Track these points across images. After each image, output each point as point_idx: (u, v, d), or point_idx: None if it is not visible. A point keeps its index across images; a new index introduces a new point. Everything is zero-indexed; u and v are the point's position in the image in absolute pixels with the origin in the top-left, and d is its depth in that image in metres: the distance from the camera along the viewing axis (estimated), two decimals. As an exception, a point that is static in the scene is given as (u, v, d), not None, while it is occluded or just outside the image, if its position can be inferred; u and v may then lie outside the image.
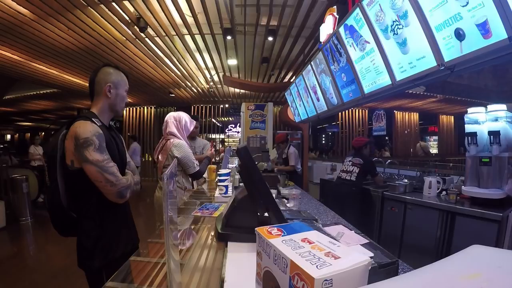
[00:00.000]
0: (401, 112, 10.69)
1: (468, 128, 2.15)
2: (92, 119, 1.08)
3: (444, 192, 2.45)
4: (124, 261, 0.88)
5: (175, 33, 4.29)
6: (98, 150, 1.02)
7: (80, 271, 1.14)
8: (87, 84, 1.19)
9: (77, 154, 1.01)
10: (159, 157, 1.97)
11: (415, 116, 10.95)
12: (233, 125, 11.40)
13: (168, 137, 1.97)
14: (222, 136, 11.32)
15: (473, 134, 2.09)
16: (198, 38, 4.50)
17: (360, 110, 10.13)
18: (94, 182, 1.03)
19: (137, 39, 4.40)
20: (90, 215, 1.08)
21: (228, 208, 1.04)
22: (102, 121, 1.14)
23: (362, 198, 2.94)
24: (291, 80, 5.75)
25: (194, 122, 2.16)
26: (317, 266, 0.35)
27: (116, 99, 1.16)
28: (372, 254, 0.74)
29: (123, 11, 3.55)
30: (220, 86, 7.63)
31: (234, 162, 3.78)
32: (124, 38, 4.32)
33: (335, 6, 2.71)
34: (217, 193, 1.77)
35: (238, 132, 10.84)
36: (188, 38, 4.50)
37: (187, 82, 7.18)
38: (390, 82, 1.93)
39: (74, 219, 1.09)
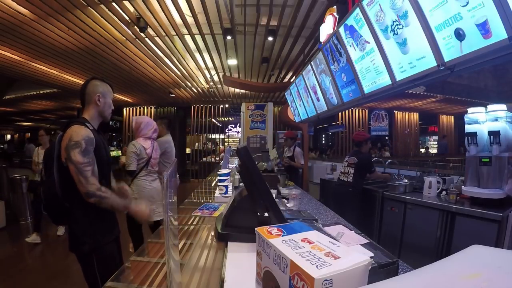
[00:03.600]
0: (401, 112, 10.70)
1: (468, 128, 2.15)
2: (86, 124, 1.27)
3: (444, 192, 2.45)
4: (111, 246, 1.25)
5: (175, 33, 4.29)
6: (82, 153, 1.18)
7: (79, 271, 1.24)
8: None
9: (65, 153, 1.19)
10: (154, 154, 2.37)
11: (415, 116, 10.96)
12: (233, 125, 11.41)
13: (152, 136, 2.41)
14: (222, 136, 11.33)
15: (473, 134, 2.09)
16: (198, 38, 4.49)
17: (360, 110, 10.13)
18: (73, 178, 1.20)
19: (137, 39, 4.39)
20: (79, 205, 1.23)
21: (228, 208, 1.04)
22: (94, 126, 1.33)
23: (362, 199, 2.93)
24: (291, 80, 5.74)
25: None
26: (317, 266, 0.35)
27: (104, 107, 1.37)
28: (372, 254, 0.74)
29: (123, 11, 3.55)
30: (220, 86, 7.62)
31: (234, 162, 3.79)
32: (124, 38, 4.31)
33: (335, 6, 2.71)
34: (217, 193, 1.77)
35: (238, 132, 10.84)
36: (188, 38, 4.49)
37: (187, 82, 7.17)
38: (390, 82, 1.93)
39: (67, 208, 1.25)
